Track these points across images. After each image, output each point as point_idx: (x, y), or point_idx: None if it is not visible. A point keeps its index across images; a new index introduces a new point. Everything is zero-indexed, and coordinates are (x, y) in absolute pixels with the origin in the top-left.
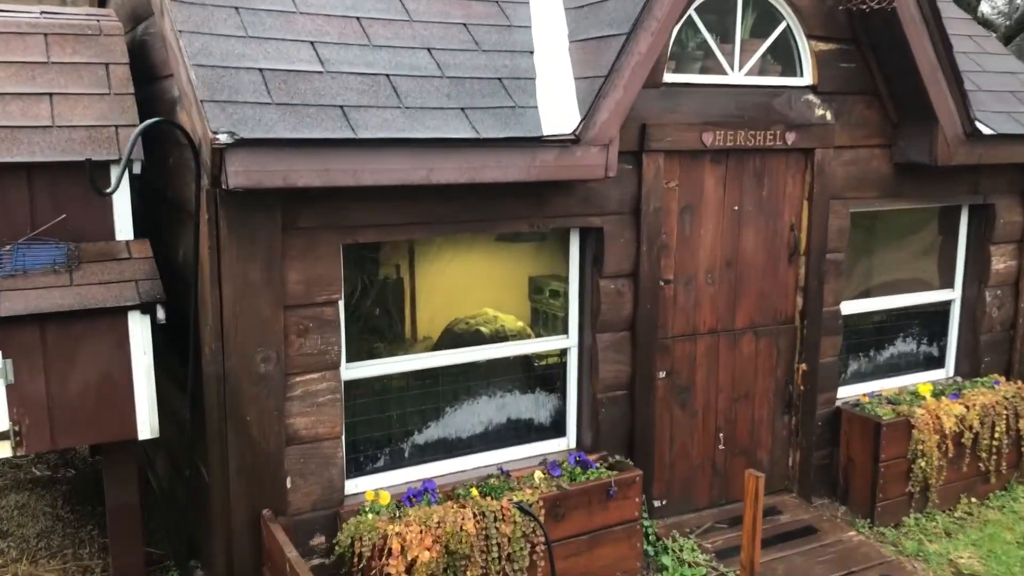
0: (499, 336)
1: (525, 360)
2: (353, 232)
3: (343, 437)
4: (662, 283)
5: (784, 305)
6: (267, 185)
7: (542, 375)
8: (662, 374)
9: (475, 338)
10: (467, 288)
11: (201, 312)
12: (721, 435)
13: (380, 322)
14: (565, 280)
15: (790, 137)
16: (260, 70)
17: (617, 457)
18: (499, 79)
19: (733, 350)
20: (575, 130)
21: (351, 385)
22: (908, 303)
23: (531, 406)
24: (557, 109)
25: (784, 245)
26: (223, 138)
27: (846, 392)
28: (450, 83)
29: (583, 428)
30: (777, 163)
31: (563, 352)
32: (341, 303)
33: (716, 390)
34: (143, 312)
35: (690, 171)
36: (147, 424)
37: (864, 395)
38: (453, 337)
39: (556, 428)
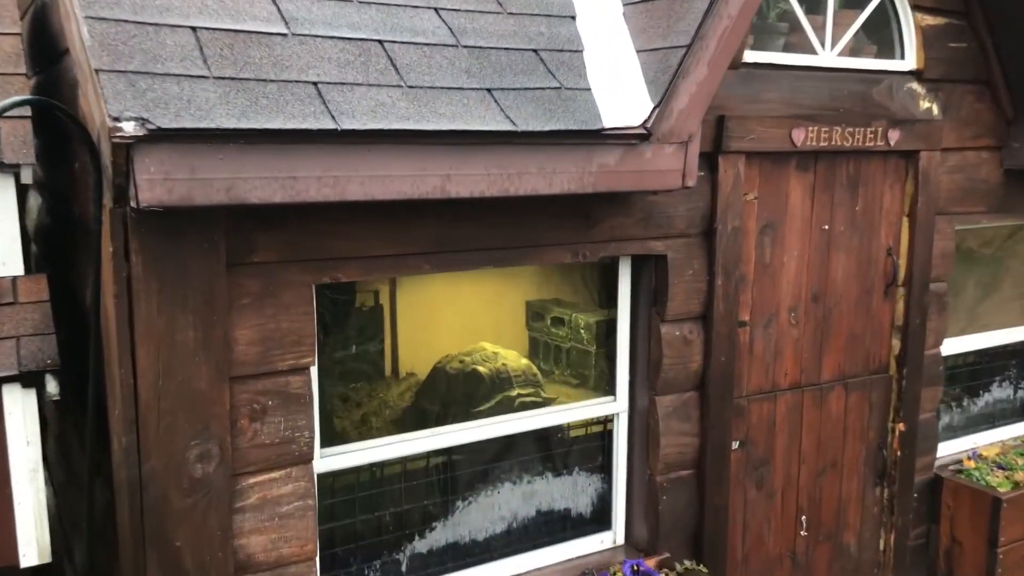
0: (501, 377)
1: (555, 430)
2: (332, 267)
3: (317, 557)
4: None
5: (878, 349)
6: (201, 202)
7: (579, 449)
8: (735, 445)
9: (471, 381)
10: (455, 317)
11: (109, 389)
12: (803, 518)
13: (357, 367)
14: (608, 321)
15: (893, 136)
16: (193, 29)
17: (686, 563)
18: (534, 51)
19: (819, 409)
20: (645, 121)
21: (327, 479)
22: (1009, 339)
23: (567, 492)
24: (614, 93)
25: (879, 274)
26: (129, 128)
27: (940, 452)
28: (469, 55)
29: (635, 519)
30: (874, 169)
31: (607, 419)
32: (314, 369)
33: (798, 461)
34: (26, 385)
35: (772, 179)
36: (34, 544)
37: (967, 457)
38: (446, 380)
39: (598, 519)
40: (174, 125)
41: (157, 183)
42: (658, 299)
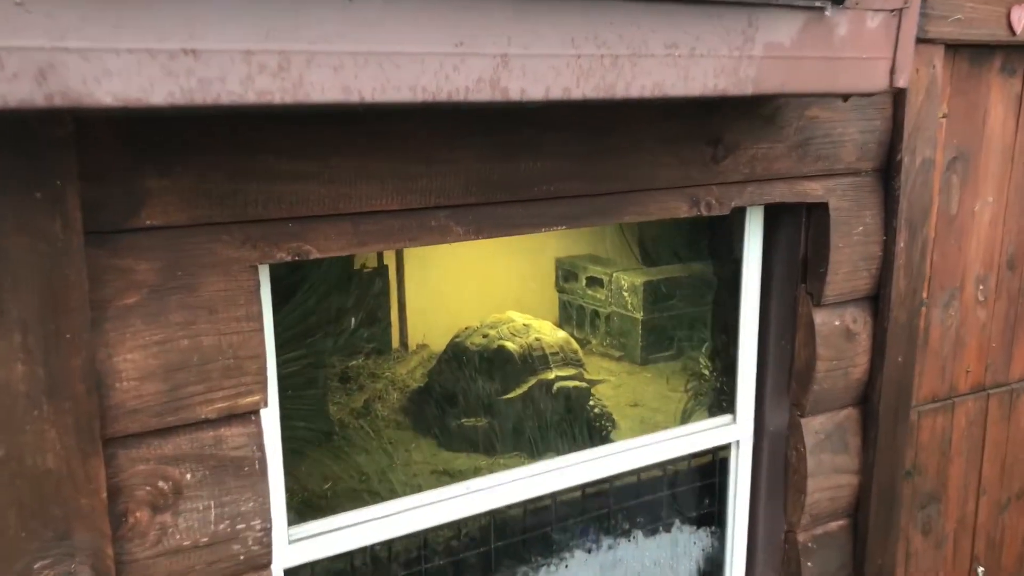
0: (534, 356)
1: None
2: (292, 234)
3: None
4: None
5: None
6: None
7: (678, 494)
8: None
9: (497, 360)
10: (471, 279)
11: None
12: (980, 569)
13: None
14: (725, 303)
15: None
16: None
17: None
18: None
19: (1007, 419)
20: None
21: (298, 574)
22: None
23: (663, 555)
24: None
25: None
26: None
27: None
28: None
29: None
30: None
31: (718, 448)
32: (270, 413)
33: (977, 493)
34: None
35: (966, 87)
36: None
37: None
38: (466, 359)
39: None
40: None
41: None
42: (811, 272)
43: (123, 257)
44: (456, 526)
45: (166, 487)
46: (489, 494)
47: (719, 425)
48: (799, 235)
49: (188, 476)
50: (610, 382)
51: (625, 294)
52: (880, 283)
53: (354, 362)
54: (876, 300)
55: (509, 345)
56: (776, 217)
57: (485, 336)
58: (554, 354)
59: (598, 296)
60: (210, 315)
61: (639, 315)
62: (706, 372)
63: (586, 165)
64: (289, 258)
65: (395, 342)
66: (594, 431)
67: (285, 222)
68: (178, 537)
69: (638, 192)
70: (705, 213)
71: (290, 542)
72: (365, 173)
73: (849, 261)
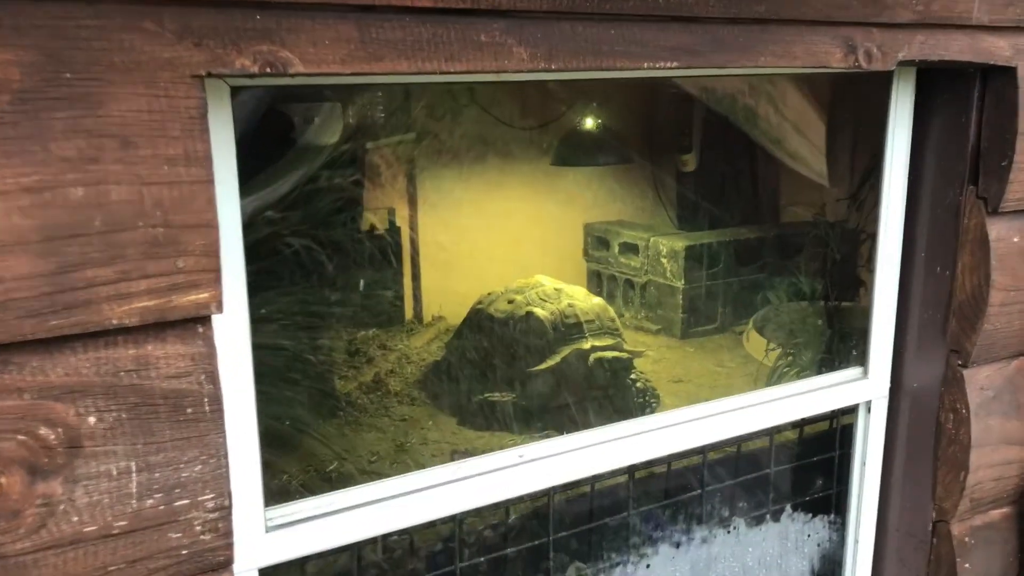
0: (567, 323)
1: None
2: (259, 32)
3: None
4: None
5: None
6: None
7: (786, 472)
8: None
9: (525, 328)
10: (486, 248)
11: None
12: None
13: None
14: (694, 248)
15: None
16: None
17: None
18: None
19: None
20: None
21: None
22: None
23: (768, 551)
24: None
25: None
26: None
27: None
28: None
29: None
30: None
31: (839, 412)
32: (237, 322)
33: None
34: None
35: None
36: None
37: None
38: (491, 326)
39: None
40: None
41: None
42: (985, 167)
43: None
44: (504, 508)
45: (53, 437)
46: (549, 465)
47: (845, 381)
48: (968, 116)
49: (92, 420)
50: (648, 357)
51: (664, 261)
52: None
53: (362, 333)
54: None
55: (539, 311)
56: (933, 88)
57: (511, 302)
58: (589, 322)
59: (632, 264)
60: (123, 150)
61: (680, 284)
62: (798, 330)
63: None
64: (256, 69)
65: (408, 313)
66: (637, 408)
67: (251, 10)
68: (75, 520)
69: (780, 24)
70: (865, 66)
71: (268, 529)
72: None
73: None
